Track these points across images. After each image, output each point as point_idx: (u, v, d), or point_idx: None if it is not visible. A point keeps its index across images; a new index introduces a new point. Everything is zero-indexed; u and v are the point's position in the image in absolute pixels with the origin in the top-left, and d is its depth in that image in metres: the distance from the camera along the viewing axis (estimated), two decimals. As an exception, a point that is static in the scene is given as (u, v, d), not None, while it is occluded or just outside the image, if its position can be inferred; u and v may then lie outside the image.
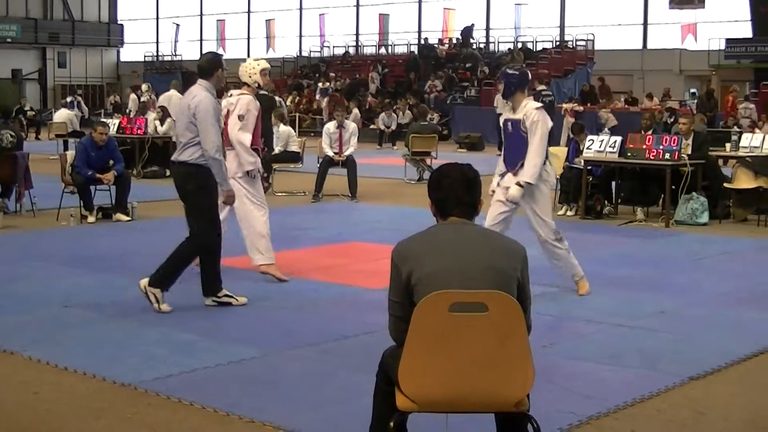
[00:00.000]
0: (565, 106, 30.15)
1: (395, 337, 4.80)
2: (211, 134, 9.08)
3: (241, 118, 10.56)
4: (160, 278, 9.25)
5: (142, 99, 33.99)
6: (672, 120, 23.48)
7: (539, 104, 9.94)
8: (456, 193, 4.76)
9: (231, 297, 9.46)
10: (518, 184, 9.56)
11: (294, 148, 19.99)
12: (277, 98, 34.09)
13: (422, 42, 49.90)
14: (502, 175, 9.86)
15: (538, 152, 9.52)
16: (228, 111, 10.65)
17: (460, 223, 4.76)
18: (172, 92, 25.28)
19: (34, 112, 42.52)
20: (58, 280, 10.73)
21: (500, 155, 10.18)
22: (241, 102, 10.64)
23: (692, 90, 42.79)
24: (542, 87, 25.86)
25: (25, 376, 7.17)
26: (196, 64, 9.63)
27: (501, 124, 10.16)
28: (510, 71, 9.95)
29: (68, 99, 39.89)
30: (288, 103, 38.62)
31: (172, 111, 23.64)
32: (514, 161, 9.73)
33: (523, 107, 9.68)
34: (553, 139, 10.73)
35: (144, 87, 37.02)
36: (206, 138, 9.07)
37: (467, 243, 4.68)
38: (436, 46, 48.58)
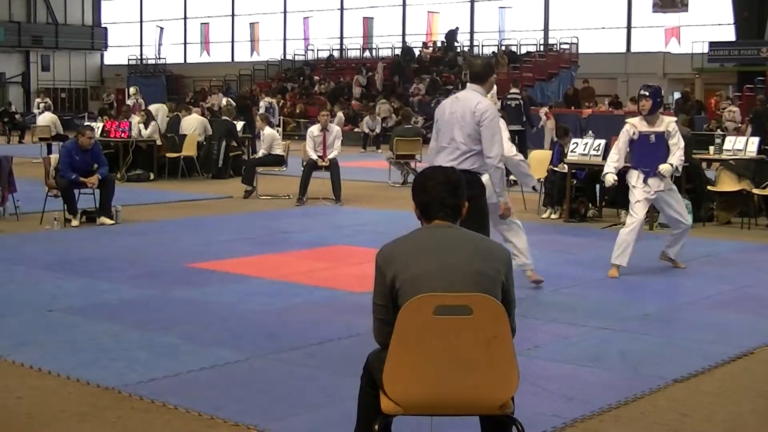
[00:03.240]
0: (541, 110, 30.21)
1: (379, 340, 4.80)
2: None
3: None
4: None
5: (128, 102, 33.98)
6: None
7: (675, 118, 11.94)
8: (440, 196, 4.76)
9: None
10: (669, 164, 11.21)
11: (278, 151, 19.98)
12: (267, 100, 34.22)
13: (404, 46, 49.86)
14: (645, 180, 11.31)
15: (682, 152, 11.41)
16: None
17: (444, 226, 4.76)
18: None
19: (19, 115, 42.29)
20: (41, 283, 10.69)
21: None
22: None
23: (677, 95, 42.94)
24: (514, 90, 25.92)
25: (8, 381, 7.14)
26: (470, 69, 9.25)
27: (634, 137, 11.40)
28: (655, 89, 11.38)
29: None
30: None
31: (191, 122, 23.78)
32: (655, 166, 11.22)
33: (662, 121, 11.33)
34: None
35: (132, 90, 36.98)
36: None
37: (451, 246, 4.68)
38: (421, 49, 48.61)
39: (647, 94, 11.26)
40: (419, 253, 4.65)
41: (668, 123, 11.39)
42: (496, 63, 42.78)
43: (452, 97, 9.42)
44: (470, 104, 8.84)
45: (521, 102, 25.12)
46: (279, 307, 9.65)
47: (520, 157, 11.31)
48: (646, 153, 11.34)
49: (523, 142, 24.39)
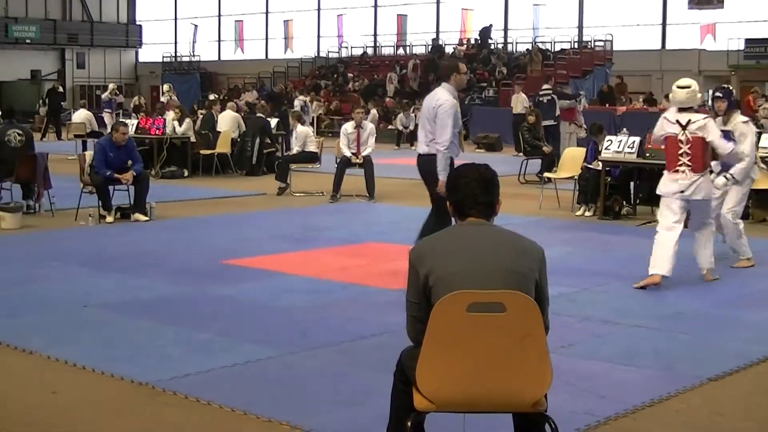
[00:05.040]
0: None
1: (413, 338, 4.81)
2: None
3: None
4: None
5: (162, 99, 34.07)
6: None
7: (746, 118, 12.08)
8: (473, 194, 4.75)
9: None
10: (725, 177, 11.53)
11: (312, 148, 20.02)
12: (301, 99, 34.21)
13: (435, 44, 49.78)
14: (719, 174, 11.60)
15: (749, 154, 11.63)
16: None
17: (477, 224, 4.75)
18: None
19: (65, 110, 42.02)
20: (76, 280, 10.76)
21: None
22: None
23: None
24: (546, 86, 25.87)
25: (44, 376, 7.20)
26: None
27: None
28: (729, 91, 12.18)
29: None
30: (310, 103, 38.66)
31: (225, 118, 23.87)
32: (727, 165, 11.48)
33: (733, 120, 11.68)
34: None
35: (165, 87, 37.10)
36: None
37: (485, 244, 4.67)
38: (455, 46, 48.51)
39: (721, 95, 11.93)
40: (453, 251, 4.65)
41: (737, 122, 11.74)
42: (530, 60, 42.73)
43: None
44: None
45: (553, 97, 25.05)
46: (312, 303, 9.67)
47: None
48: None
49: (557, 137, 24.30)
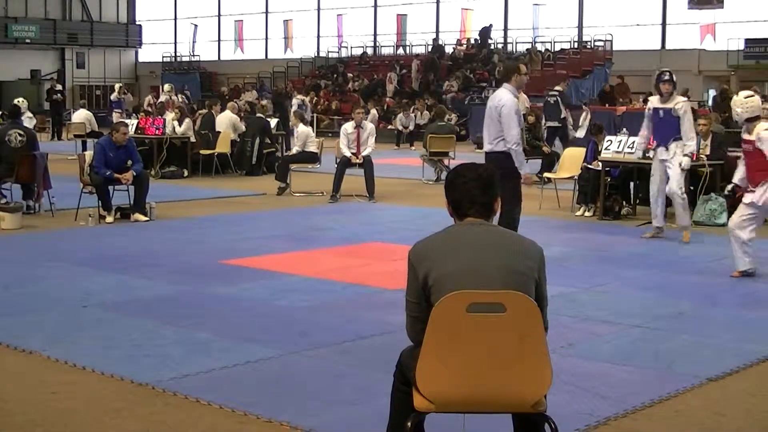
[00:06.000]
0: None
1: (412, 338, 4.80)
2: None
3: None
4: None
5: (161, 99, 34.03)
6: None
7: (685, 98, 14.03)
8: (471, 194, 4.75)
9: None
10: (686, 155, 13.26)
11: (312, 148, 20.02)
12: (299, 97, 34.17)
13: (435, 44, 49.79)
14: (655, 149, 13.63)
15: (692, 130, 13.44)
16: None
17: (476, 224, 4.74)
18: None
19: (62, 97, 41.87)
20: (76, 279, 10.76)
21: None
22: None
23: (712, 93, 42.66)
24: (557, 87, 25.85)
25: (43, 376, 7.19)
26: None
27: (649, 112, 13.68)
28: (672, 74, 13.48)
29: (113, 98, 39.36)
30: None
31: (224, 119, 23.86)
32: (666, 139, 13.35)
33: (674, 99, 13.31)
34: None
35: (167, 87, 37.08)
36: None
37: (484, 243, 4.67)
38: (455, 46, 48.54)
39: (668, 78, 13.40)
40: (452, 251, 4.64)
41: (678, 100, 13.41)
42: (530, 60, 42.70)
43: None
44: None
45: (559, 98, 25.00)
46: (312, 303, 9.66)
47: None
48: (659, 127, 13.54)
49: (564, 137, 24.21)
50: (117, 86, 39.57)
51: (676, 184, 13.33)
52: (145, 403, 6.55)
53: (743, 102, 10.82)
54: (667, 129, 13.36)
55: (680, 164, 13.26)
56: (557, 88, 25.80)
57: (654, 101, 13.61)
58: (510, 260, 4.63)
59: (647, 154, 14.25)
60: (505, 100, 11.01)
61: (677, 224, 13.72)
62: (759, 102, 10.95)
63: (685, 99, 13.82)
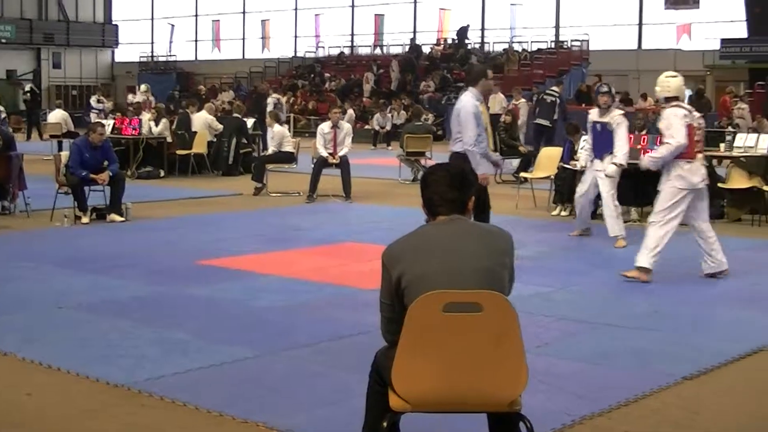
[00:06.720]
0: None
1: (387, 339, 4.81)
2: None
3: None
4: None
5: (138, 99, 33.93)
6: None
7: (622, 111, 14.11)
8: (441, 191, 4.76)
9: None
10: (613, 162, 13.24)
11: (288, 148, 19.99)
12: (275, 96, 34.06)
13: (412, 44, 49.82)
14: (592, 161, 13.69)
15: (626, 144, 13.40)
16: None
17: (447, 221, 4.75)
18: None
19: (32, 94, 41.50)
20: (51, 280, 10.72)
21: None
22: None
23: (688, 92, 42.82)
24: (554, 88, 25.82)
25: (18, 377, 7.16)
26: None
27: (590, 125, 13.67)
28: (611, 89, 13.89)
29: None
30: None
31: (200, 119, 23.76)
32: (602, 152, 13.39)
33: (610, 113, 13.39)
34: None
35: (143, 87, 36.93)
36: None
37: (456, 242, 4.67)
38: (432, 46, 48.58)
39: (607, 90, 13.66)
40: (425, 251, 4.65)
41: (614, 114, 13.48)
42: (507, 60, 42.78)
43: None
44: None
45: (557, 100, 24.90)
46: (289, 304, 9.65)
47: None
48: (598, 140, 13.58)
49: (549, 138, 24.12)
50: (94, 98, 38.95)
51: (606, 194, 13.38)
52: (120, 404, 6.53)
53: (662, 80, 11.03)
54: (603, 143, 13.43)
55: (605, 171, 13.30)
56: (555, 89, 25.74)
57: (594, 114, 13.66)
58: (483, 258, 4.63)
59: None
60: (464, 102, 11.10)
61: (609, 234, 13.51)
62: (679, 83, 11.00)
63: (621, 112, 13.87)
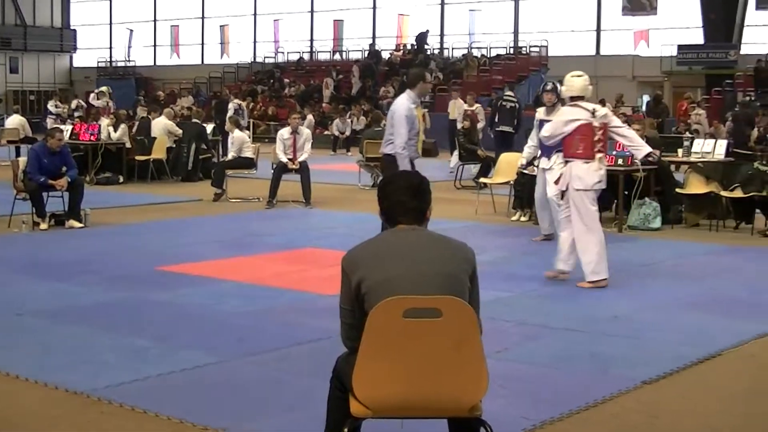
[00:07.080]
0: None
1: (347, 345, 4.81)
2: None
3: None
4: None
5: (97, 104, 33.71)
6: (625, 126, 23.53)
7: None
8: (401, 200, 4.78)
9: None
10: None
11: (248, 154, 19.94)
12: (236, 102, 33.94)
13: (372, 49, 49.85)
14: (539, 158, 13.82)
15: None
16: None
17: (408, 230, 4.76)
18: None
19: None
20: (10, 287, 10.65)
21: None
22: None
23: (646, 98, 43.11)
24: (509, 93, 25.80)
25: (-23, 385, 7.11)
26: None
27: (537, 122, 13.77)
28: (557, 87, 13.55)
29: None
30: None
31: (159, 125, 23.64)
32: (549, 151, 13.01)
33: (556, 111, 12.98)
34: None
35: (104, 88, 36.60)
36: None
37: (417, 249, 4.68)
38: (391, 52, 48.64)
39: (551, 89, 13.89)
40: (385, 257, 4.66)
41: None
42: (466, 65, 42.88)
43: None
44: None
45: (516, 105, 24.89)
46: (250, 309, 9.64)
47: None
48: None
49: (510, 144, 24.09)
50: (51, 103, 38.52)
51: (552, 191, 13.20)
52: (81, 411, 6.50)
53: (567, 80, 11.21)
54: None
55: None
56: (510, 93, 25.71)
57: (540, 113, 13.88)
58: (444, 265, 4.65)
59: (533, 164, 14.56)
60: (399, 104, 11.38)
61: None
62: (583, 83, 11.10)
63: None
